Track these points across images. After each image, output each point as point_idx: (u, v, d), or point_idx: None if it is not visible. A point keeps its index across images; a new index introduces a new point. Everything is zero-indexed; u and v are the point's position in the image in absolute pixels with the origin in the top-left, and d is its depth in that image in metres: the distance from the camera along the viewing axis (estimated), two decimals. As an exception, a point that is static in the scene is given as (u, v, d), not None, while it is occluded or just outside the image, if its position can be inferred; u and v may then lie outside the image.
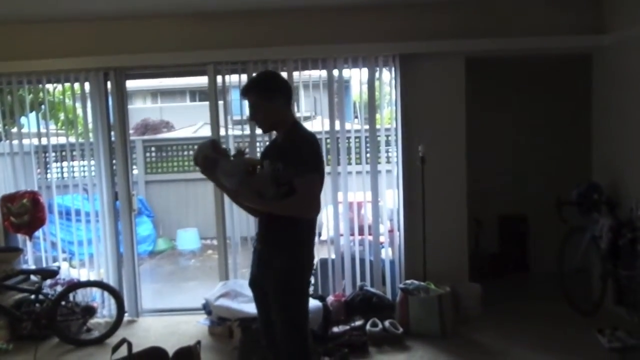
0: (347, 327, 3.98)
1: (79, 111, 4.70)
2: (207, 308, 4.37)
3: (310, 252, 2.49)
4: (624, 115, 4.23)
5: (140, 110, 15.52)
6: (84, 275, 4.72)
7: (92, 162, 4.67)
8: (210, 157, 2.42)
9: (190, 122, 13.23)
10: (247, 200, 2.43)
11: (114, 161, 4.66)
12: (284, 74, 4.52)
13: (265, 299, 2.49)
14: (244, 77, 4.50)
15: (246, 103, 2.52)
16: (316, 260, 4.88)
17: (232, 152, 2.53)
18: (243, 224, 4.64)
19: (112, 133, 4.64)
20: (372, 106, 4.57)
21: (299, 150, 2.35)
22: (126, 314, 4.47)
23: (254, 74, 2.53)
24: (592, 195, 4.21)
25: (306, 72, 4.65)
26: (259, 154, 2.86)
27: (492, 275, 5.21)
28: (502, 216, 5.69)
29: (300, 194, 2.30)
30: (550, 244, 4.79)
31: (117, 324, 4.24)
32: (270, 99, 2.41)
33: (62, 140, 4.81)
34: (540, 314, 4.42)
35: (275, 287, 2.40)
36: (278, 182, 2.34)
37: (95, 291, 4.62)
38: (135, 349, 2.73)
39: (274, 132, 2.60)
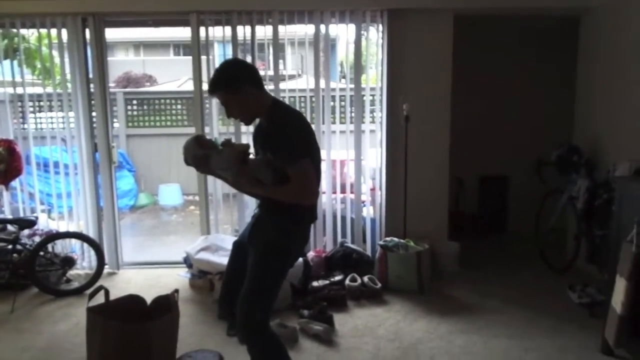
0: (327, 282, 4.04)
1: (57, 60, 4.56)
2: (187, 261, 4.39)
3: (304, 233, 2.44)
4: (607, 79, 4.23)
5: (122, 62, 15.11)
6: (63, 227, 4.69)
7: (71, 114, 4.56)
8: (198, 155, 2.34)
9: (174, 77, 12.95)
10: (249, 188, 2.37)
11: (93, 113, 4.56)
12: (269, 28, 4.44)
13: (244, 257, 2.42)
14: (228, 30, 4.39)
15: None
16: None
17: (219, 140, 2.40)
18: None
19: (92, 85, 4.52)
20: (358, 65, 4.50)
21: (284, 135, 2.22)
22: (106, 266, 4.47)
23: (217, 69, 2.33)
24: (571, 157, 4.26)
25: (292, 29, 4.54)
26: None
27: (471, 234, 5.30)
28: (483, 177, 5.75)
29: (294, 181, 2.21)
30: (530, 205, 4.86)
31: (97, 275, 4.25)
32: (238, 91, 2.25)
33: (39, 90, 4.66)
34: (515, 272, 4.54)
35: (260, 256, 2.34)
36: (274, 168, 2.26)
37: (75, 243, 4.60)
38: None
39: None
